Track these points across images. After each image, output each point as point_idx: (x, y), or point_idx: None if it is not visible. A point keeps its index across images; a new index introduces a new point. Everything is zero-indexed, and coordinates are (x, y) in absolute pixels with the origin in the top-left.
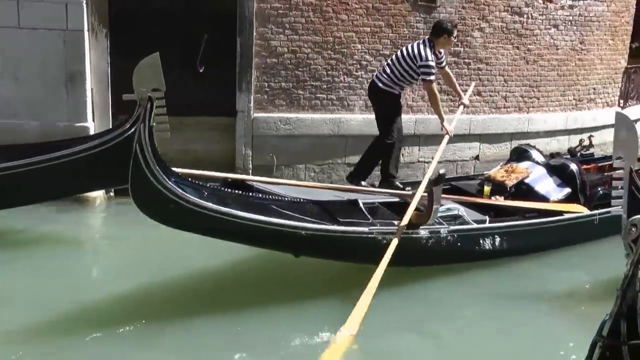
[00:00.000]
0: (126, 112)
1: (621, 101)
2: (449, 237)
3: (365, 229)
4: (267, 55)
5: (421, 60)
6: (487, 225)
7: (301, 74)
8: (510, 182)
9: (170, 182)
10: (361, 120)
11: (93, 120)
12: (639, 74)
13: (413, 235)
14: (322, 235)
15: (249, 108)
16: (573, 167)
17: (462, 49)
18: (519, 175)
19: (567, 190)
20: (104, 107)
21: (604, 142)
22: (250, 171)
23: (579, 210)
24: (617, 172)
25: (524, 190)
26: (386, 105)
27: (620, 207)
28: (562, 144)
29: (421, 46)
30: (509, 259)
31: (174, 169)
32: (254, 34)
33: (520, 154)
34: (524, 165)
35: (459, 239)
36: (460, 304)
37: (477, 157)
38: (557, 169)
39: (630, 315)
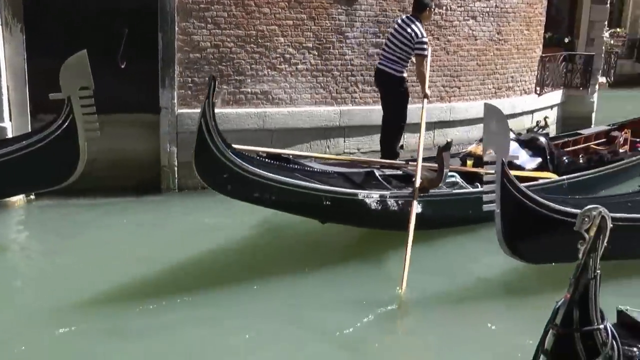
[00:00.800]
0: (47, 110)
1: (537, 88)
2: (458, 200)
3: (386, 193)
4: (189, 50)
5: (417, 37)
6: (475, 190)
7: (225, 68)
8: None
9: (230, 153)
10: (286, 113)
11: (10, 120)
12: (553, 62)
13: (428, 199)
14: (348, 199)
15: (173, 104)
16: (542, 140)
17: (383, 40)
18: None
19: (539, 160)
20: (21, 105)
21: (521, 127)
22: (176, 169)
23: (550, 176)
24: (488, 166)
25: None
26: (398, 91)
27: (493, 203)
28: (482, 131)
29: (412, 25)
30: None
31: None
32: (176, 28)
33: None
34: None
35: (466, 202)
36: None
37: (401, 147)
38: (528, 143)
39: (582, 303)
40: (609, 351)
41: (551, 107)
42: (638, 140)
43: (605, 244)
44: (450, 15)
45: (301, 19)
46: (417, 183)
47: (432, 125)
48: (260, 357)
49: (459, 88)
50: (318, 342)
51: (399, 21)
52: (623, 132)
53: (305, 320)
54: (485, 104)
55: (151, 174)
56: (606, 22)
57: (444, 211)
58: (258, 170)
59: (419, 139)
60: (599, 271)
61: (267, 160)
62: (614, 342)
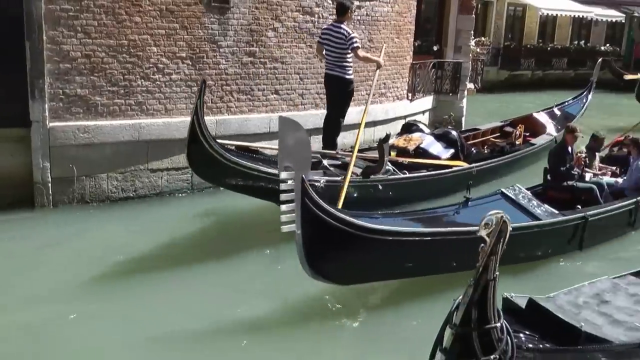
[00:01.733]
0: None
1: (409, 94)
2: (392, 184)
3: (332, 178)
4: (59, 60)
5: (348, 35)
6: (415, 174)
7: (97, 79)
8: (411, 147)
9: (217, 146)
10: (162, 124)
11: None
12: (423, 69)
13: (368, 184)
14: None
15: (44, 117)
16: (454, 133)
17: (257, 49)
18: (416, 142)
19: (452, 150)
20: None
21: (395, 132)
22: (50, 185)
23: (462, 164)
24: (286, 184)
25: (421, 153)
26: (346, 91)
27: (292, 223)
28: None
29: (340, 28)
30: (425, 201)
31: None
32: (44, 37)
33: (409, 128)
34: (416, 135)
35: (399, 186)
36: None
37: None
38: (441, 136)
39: (481, 303)
40: (503, 346)
41: (423, 112)
42: (528, 134)
43: (504, 246)
44: (322, 23)
45: (173, 28)
46: (349, 171)
47: (308, 132)
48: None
49: None
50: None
51: (328, 29)
52: (517, 127)
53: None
54: (280, 117)
55: (23, 191)
56: (472, 31)
57: (377, 194)
58: (239, 160)
59: (360, 127)
60: (497, 273)
61: (244, 153)
62: (508, 338)
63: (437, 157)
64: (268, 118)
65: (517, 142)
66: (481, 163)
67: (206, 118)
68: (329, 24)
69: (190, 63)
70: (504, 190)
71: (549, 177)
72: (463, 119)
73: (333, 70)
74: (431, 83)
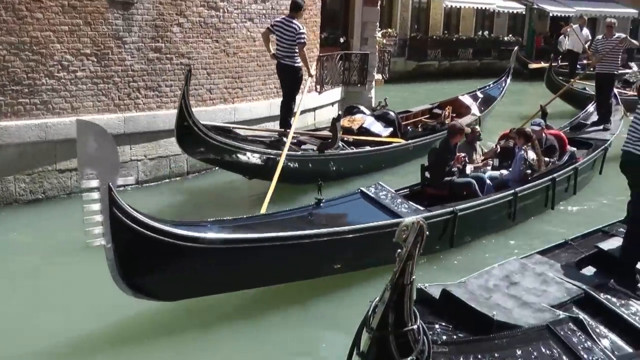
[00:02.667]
0: None
1: (318, 87)
2: (342, 159)
3: (292, 153)
4: None
5: (299, 30)
6: (361, 149)
7: None
8: (355, 126)
9: (202, 127)
10: (69, 123)
11: None
12: (331, 62)
13: (322, 158)
14: (268, 158)
15: None
16: (392, 114)
17: (163, 45)
18: (359, 122)
19: (390, 129)
20: None
21: (305, 125)
22: None
23: (400, 141)
24: (91, 194)
25: (364, 131)
26: (296, 78)
27: (101, 237)
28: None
29: (293, 23)
30: (369, 174)
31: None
32: None
33: (351, 110)
34: (359, 116)
35: (348, 160)
36: None
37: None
38: (381, 117)
39: (397, 306)
40: (420, 347)
41: (332, 103)
42: (455, 115)
43: (421, 251)
44: (228, 18)
45: (77, 24)
46: (286, 147)
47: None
48: None
49: (242, 89)
50: None
51: (281, 22)
52: (445, 109)
53: None
54: (77, 121)
55: None
56: (377, 23)
57: (329, 167)
58: (219, 138)
59: (297, 112)
60: (414, 277)
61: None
62: (425, 338)
63: (378, 135)
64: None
65: (445, 122)
66: (416, 140)
67: (113, 116)
68: (282, 17)
69: (96, 60)
70: (363, 189)
71: (427, 174)
72: None
73: (284, 59)
74: (339, 75)
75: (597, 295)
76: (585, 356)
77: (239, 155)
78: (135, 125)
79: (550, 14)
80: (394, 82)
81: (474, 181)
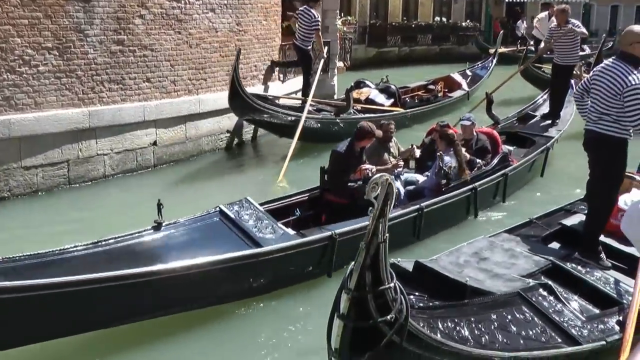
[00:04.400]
0: None
1: (281, 75)
2: (352, 122)
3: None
4: None
5: (315, 19)
6: (368, 115)
7: None
8: (362, 97)
9: (248, 94)
10: (32, 119)
11: None
12: (292, 50)
13: (338, 120)
14: (294, 119)
15: None
16: (393, 87)
17: (125, 37)
18: (366, 94)
19: (392, 100)
20: None
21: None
22: None
23: (400, 110)
24: None
25: (370, 102)
26: (306, 56)
27: None
28: (233, 120)
29: (310, 12)
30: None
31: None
32: None
33: (358, 85)
34: (365, 89)
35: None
36: None
37: (155, 143)
38: (384, 90)
39: (373, 266)
40: (399, 306)
41: (296, 92)
42: (447, 90)
43: (392, 207)
44: (190, 9)
45: (37, 17)
46: (306, 109)
47: (182, 119)
48: None
49: (205, 80)
50: None
51: (302, 11)
52: (438, 84)
53: None
54: None
55: None
56: (337, 11)
57: (343, 129)
58: (259, 102)
59: (313, 84)
60: (387, 235)
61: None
62: (402, 297)
63: (382, 105)
64: (142, 107)
65: (439, 95)
66: (414, 109)
67: (77, 110)
68: (304, 7)
69: (58, 54)
70: (223, 207)
71: (326, 177)
72: (335, 96)
73: (298, 41)
74: None
75: (563, 265)
76: (556, 318)
77: (272, 116)
78: (100, 119)
79: (506, 0)
80: (355, 69)
81: None
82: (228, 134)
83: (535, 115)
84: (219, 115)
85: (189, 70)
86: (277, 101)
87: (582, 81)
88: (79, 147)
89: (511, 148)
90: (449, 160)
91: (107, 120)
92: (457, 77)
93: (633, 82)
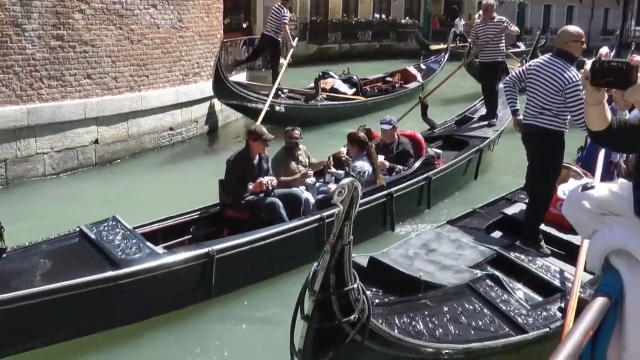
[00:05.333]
0: None
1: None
2: (320, 108)
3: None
4: None
5: (283, 14)
6: (333, 102)
7: None
8: (327, 87)
9: (230, 81)
10: None
11: None
12: (235, 47)
13: (307, 107)
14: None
15: None
16: (355, 77)
17: (65, 32)
18: (330, 84)
19: (354, 89)
20: None
21: (211, 111)
22: None
23: (361, 98)
24: None
25: (334, 90)
26: (278, 49)
27: None
28: (175, 118)
29: (283, 9)
30: (340, 122)
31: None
32: None
33: (323, 75)
34: (329, 79)
35: (324, 110)
36: None
37: (96, 141)
38: (346, 80)
39: (338, 268)
40: (361, 306)
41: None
42: (403, 82)
43: (356, 211)
44: (131, 4)
45: None
46: (272, 93)
47: (124, 117)
48: None
49: (147, 77)
50: None
51: (275, 8)
52: (395, 76)
53: None
54: None
55: None
56: None
57: (311, 114)
58: (238, 87)
59: (280, 72)
60: (351, 237)
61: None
62: (364, 297)
63: (345, 94)
64: (83, 104)
65: (396, 86)
66: (374, 98)
67: (15, 107)
68: (277, 4)
69: None
70: (84, 228)
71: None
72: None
73: (270, 32)
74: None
75: (507, 255)
76: (503, 307)
77: (250, 100)
78: (40, 117)
79: None
80: (296, 65)
81: (278, 202)
82: (171, 131)
83: (474, 118)
84: (161, 113)
85: (131, 67)
86: (254, 88)
87: (515, 71)
88: (17, 146)
89: (439, 151)
90: (361, 165)
91: (46, 118)
92: (413, 70)
93: (573, 79)
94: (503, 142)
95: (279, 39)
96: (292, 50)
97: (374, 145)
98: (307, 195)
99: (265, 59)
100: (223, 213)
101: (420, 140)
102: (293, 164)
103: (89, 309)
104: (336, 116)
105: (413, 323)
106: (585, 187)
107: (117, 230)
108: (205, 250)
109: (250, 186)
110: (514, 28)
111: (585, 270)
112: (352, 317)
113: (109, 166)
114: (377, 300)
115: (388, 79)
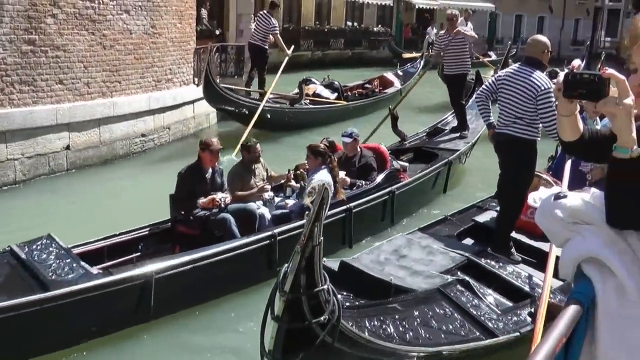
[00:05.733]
0: None
1: (196, 79)
2: (304, 112)
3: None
4: None
5: (272, 24)
6: (317, 106)
7: None
8: (310, 92)
9: (220, 86)
10: None
11: None
12: (207, 54)
13: (293, 110)
14: (253, 107)
15: None
16: (337, 83)
17: (37, 37)
18: (313, 89)
19: (336, 94)
20: None
21: (184, 117)
22: None
23: (343, 103)
24: None
25: (317, 96)
26: (264, 56)
27: None
28: (148, 124)
29: (270, 18)
30: (324, 126)
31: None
32: None
33: (306, 81)
34: (312, 85)
35: (307, 113)
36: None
37: (68, 147)
38: (329, 85)
39: (308, 269)
40: (331, 307)
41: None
42: (381, 87)
43: (326, 212)
44: (104, 10)
45: None
46: (266, 98)
47: (97, 123)
48: None
49: (120, 82)
50: None
51: (260, 15)
52: (374, 82)
53: None
54: None
55: None
56: (252, 15)
57: (296, 117)
58: (227, 91)
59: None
60: (322, 238)
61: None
62: (334, 298)
63: (327, 98)
64: (54, 109)
65: (375, 91)
66: (354, 102)
67: None
68: (263, 11)
69: None
70: (15, 247)
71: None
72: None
73: (257, 44)
74: (216, 67)
75: (478, 261)
76: (474, 312)
77: (239, 105)
78: (10, 122)
79: (417, 6)
80: (269, 72)
81: (230, 217)
82: (143, 138)
83: (445, 130)
84: (134, 119)
85: (103, 73)
86: (244, 93)
87: (486, 84)
88: None
89: (405, 164)
90: (320, 178)
91: (17, 123)
92: (390, 76)
93: (546, 86)
94: (475, 154)
95: (266, 47)
96: (286, 59)
97: (336, 159)
98: (263, 210)
99: (238, 66)
100: (174, 229)
101: (384, 152)
102: (250, 178)
103: (13, 335)
104: (321, 120)
105: (383, 326)
106: (557, 197)
107: (51, 249)
108: (143, 270)
109: (201, 201)
110: (470, 33)
111: (555, 276)
112: (322, 318)
113: (77, 172)
114: (347, 303)
115: (367, 85)
